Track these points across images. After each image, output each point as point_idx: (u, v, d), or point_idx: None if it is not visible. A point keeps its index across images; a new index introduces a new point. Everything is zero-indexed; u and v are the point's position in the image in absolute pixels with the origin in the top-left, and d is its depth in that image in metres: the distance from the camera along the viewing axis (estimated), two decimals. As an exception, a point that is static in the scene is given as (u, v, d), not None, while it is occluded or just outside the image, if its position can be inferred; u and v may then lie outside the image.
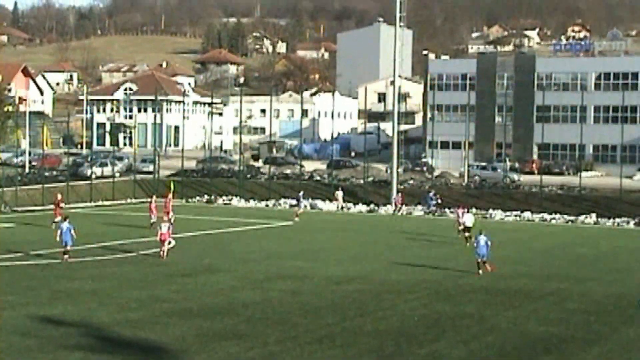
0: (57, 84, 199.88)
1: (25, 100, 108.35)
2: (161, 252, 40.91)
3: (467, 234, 47.39)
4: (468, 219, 48.96)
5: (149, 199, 57.83)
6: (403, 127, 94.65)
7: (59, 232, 39.61)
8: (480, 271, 37.13)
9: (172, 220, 50.06)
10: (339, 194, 70.81)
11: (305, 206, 67.30)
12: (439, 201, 67.62)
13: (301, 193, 65.83)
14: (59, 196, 56.63)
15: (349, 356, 22.71)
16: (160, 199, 58.63)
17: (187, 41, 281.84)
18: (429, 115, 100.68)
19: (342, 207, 70.18)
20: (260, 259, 40.97)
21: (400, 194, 69.82)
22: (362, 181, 75.95)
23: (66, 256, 39.07)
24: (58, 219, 52.33)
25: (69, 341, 23.74)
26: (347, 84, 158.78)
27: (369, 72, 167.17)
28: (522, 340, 25.01)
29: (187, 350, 22.95)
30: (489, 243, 37.55)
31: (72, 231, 39.50)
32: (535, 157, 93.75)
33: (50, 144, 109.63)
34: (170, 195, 57.29)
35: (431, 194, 68.49)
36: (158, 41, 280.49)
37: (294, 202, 67.92)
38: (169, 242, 41.79)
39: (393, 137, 74.53)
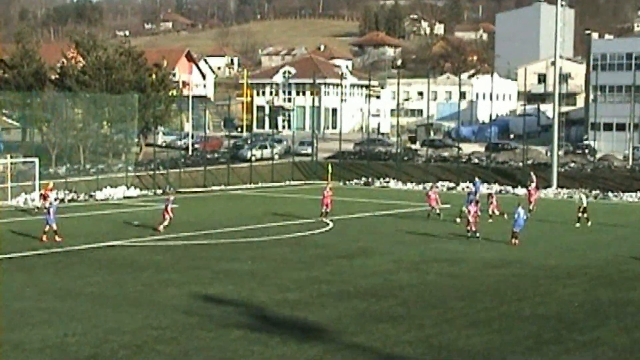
0: (219, 68, 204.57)
1: (188, 84, 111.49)
2: (159, 227, 42.58)
3: (585, 215, 47.92)
4: (584, 199, 49.38)
5: (326, 185, 53.82)
6: (564, 108, 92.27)
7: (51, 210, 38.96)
8: (516, 241, 39.54)
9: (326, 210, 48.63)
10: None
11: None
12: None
13: (477, 180, 57.62)
14: (51, 184, 51.47)
15: (507, 341, 22.42)
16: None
17: (344, 24, 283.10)
18: (591, 96, 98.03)
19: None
20: (416, 242, 40.88)
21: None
22: (520, 164, 74.56)
23: (45, 237, 38.46)
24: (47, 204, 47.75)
25: (229, 320, 24.35)
26: (506, 65, 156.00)
27: (529, 52, 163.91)
28: (689, 329, 24.07)
29: (345, 331, 23.16)
30: (526, 217, 40.78)
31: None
32: None
33: (212, 127, 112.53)
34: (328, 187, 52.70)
35: None
36: (316, 24, 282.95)
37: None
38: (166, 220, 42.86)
39: (554, 119, 72.84)
